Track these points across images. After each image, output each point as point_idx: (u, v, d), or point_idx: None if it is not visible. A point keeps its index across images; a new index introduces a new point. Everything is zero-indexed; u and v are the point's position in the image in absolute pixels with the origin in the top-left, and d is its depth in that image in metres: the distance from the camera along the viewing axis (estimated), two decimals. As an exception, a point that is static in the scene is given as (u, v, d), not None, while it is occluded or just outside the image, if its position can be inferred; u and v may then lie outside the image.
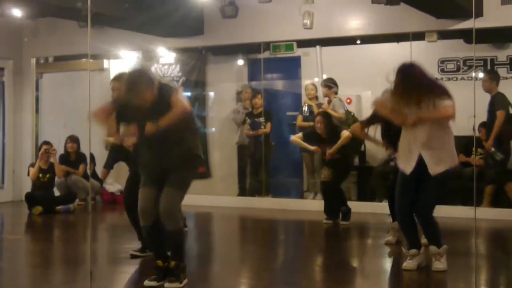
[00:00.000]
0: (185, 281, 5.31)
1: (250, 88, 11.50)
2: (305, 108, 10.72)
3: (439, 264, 5.84)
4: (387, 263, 6.71)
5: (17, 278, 6.10)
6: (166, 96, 5.18)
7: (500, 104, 8.95)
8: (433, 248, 5.87)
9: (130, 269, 6.36)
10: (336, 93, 10.12)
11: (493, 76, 9.24)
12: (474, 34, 5.87)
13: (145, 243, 6.54)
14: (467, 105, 9.09)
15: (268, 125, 10.86)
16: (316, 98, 10.77)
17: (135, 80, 5.21)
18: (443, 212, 8.91)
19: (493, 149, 9.03)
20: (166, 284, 5.24)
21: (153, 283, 5.31)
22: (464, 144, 9.60)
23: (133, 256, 6.55)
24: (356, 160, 10.57)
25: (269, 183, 11.08)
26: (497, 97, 9.00)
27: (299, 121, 10.77)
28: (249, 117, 10.99)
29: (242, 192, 11.12)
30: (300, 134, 8.97)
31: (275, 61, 11.42)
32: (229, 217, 10.13)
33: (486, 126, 9.04)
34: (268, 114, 10.94)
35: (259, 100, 10.95)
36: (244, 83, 11.90)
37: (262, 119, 10.84)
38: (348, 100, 10.45)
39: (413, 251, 5.95)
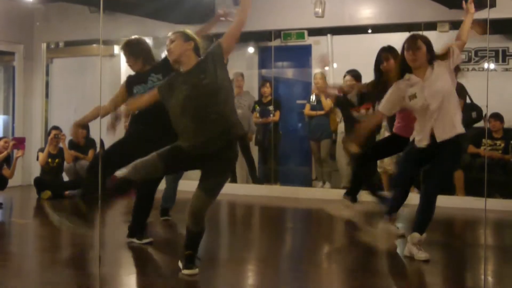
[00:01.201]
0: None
1: (241, 76, 11.41)
2: (313, 97, 10.72)
3: (421, 254, 5.76)
4: (394, 252, 6.69)
5: (26, 262, 6.13)
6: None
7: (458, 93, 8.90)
8: (415, 235, 5.75)
9: (139, 255, 6.38)
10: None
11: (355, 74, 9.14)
12: (488, 25, 5.82)
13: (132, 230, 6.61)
14: (479, 96, 9.12)
15: (277, 113, 10.85)
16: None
17: None
18: (453, 203, 8.95)
19: None
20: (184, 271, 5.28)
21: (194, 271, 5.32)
22: (474, 135, 9.58)
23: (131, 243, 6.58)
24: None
25: (278, 171, 11.07)
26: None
27: (307, 110, 10.79)
28: (258, 105, 10.98)
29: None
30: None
31: (285, 49, 11.40)
32: (236, 205, 10.13)
33: None
34: (277, 102, 10.93)
35: (267, 89, 10.94)
36: (236, 71, 11.81)
37: (271, 107, 10.84)
38: (359, 90, 10.42)
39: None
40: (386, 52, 6.76)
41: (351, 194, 8.30)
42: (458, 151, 5.89)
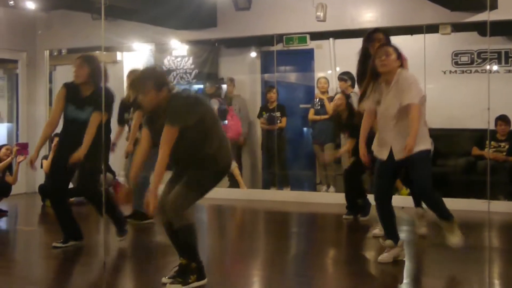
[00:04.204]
0: (194, 284, 5.09)
1: (231, 81, 11.70)
2: (317, 101, 10.74)
3: (454, 238, 5.99)
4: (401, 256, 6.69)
5: (31, 270, 6.14)
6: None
7: None
8: (444, 224, 6.02)
9: (143, 261, 6.39)
10: (352, 86, 10.07)
11: (349, 76, 9.38)
12: (489, 27, 5.82)
13: (66, 234, 6.78)
14: (481, 98, 9.10)
15: (284, 119, 10.91)
16: (328, 92, 10.78)
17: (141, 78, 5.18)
18: (457, 205, 8.92)
19: None
20: (168, 285, 5.09)
21: (168, 280, 5.14)
22: (478, 137, 9.58)
23: (55, 247, 6.69)
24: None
25: (287, 175, 11.09)
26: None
27: (311, 115, 10.81)
28: (265, 111, 11.03)
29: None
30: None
31: (288, 53, 11.41)
32: (241, 210, 10.14)
33: None
34: (282, 108, 10.97)
35: (274, 94, 10.99)
36: (228, 76, 11.89)
37: (278, 114, 10.89)
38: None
39: (389, 242, 5.96)
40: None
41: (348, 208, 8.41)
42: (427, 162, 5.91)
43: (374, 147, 5.98)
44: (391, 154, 5.78)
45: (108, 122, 6.65)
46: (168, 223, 5.10)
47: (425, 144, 5.79)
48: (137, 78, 5.19)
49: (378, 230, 7.08)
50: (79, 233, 6.85)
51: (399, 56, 5.81)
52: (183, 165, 5.16)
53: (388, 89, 5.75)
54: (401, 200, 8.22)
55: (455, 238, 6.00)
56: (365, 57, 6.63)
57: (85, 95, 6.55)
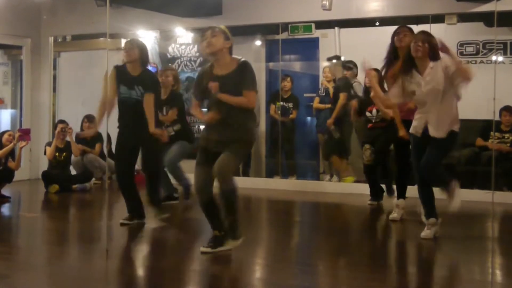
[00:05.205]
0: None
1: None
2: (322, 90, 10.72)
3: (455, 203, 6.17)
4: (403, 244, 6.69)
5: (34, 256, 6.14)
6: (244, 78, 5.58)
7: (343, 87, 9.93)
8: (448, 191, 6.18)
9: (146, 248, 6.39)
10: (356, 75, 10.06)
11: (354, 64, 9.96)
12: (496, 17, 5.80)
13: (131, 214, 7.11)
14: (486, 88, 9.12)
15: (295, 112, 10.90)
16: (334, 80, 10.74)
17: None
18: (461, 196, 8.89)
19: (333, 127, 9.97)
20: (227, 245, 5.72)
21: (208, 249, 5.68)
22: (482, 128, 9.54)
23: (122, 224, 6.99)
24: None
25: (294, 165, 11.09)
26: (341, 81, 10.09)
27: (316, 103, 10.79)
28: (279, 101, 10.99)
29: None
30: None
31: (293, 42, 11.37)
32: (244, 198, 10.11)
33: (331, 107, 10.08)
34: (296, 100, 10.97)
35: (288, 83, 10.96)
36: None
37: (291, 105, 10.87)
38: (367, 83, 10.40)
39: (432, 220, 6.28)
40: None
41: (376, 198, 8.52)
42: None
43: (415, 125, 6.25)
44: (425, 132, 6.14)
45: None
46: (206, 201, 5.63)
47: (456, 125, 6.15)
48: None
49: (396, 214, 7.31)
50: (143, 212, 7.17)
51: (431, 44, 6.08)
52: (228, 134, 5.52)
53: (425, 73, 6.06)
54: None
55: (456, 202, 6.15)
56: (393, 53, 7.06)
57: (133, 75, 6.95)
